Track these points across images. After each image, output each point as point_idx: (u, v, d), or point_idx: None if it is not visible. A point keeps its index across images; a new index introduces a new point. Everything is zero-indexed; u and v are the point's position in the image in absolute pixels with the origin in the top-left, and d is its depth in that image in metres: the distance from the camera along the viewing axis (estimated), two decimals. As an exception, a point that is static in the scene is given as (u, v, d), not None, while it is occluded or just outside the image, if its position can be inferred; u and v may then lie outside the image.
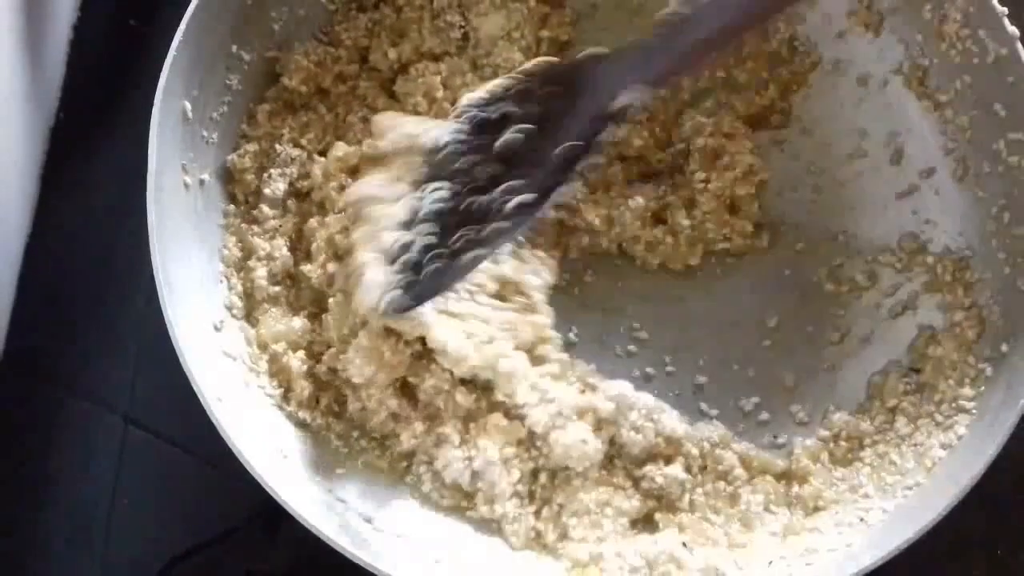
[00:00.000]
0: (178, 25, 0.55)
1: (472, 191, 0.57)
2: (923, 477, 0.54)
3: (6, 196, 0.68)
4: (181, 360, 0.51)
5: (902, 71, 0.63)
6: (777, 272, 0.65)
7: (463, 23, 0.66)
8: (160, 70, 0.55)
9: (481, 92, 0.58)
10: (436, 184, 0.57)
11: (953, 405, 0.56)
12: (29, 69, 0.68)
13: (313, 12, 0.65)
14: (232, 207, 0.61)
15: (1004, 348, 0.55)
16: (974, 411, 0.55)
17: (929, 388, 0.58)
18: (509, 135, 0.57)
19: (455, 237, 0.56)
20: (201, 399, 0.51)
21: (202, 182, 0.59)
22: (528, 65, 0.58)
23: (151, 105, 0.54)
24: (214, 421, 0.51)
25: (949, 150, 0.61)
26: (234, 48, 0.60)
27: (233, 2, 0.59)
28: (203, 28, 0.57)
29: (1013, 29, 0.56)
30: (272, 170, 0.62)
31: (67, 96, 0.73)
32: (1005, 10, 0.57)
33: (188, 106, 0.57)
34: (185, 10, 0.56)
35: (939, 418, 0.56)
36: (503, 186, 0.57)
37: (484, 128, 0.57)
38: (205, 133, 0.59)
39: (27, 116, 0.69)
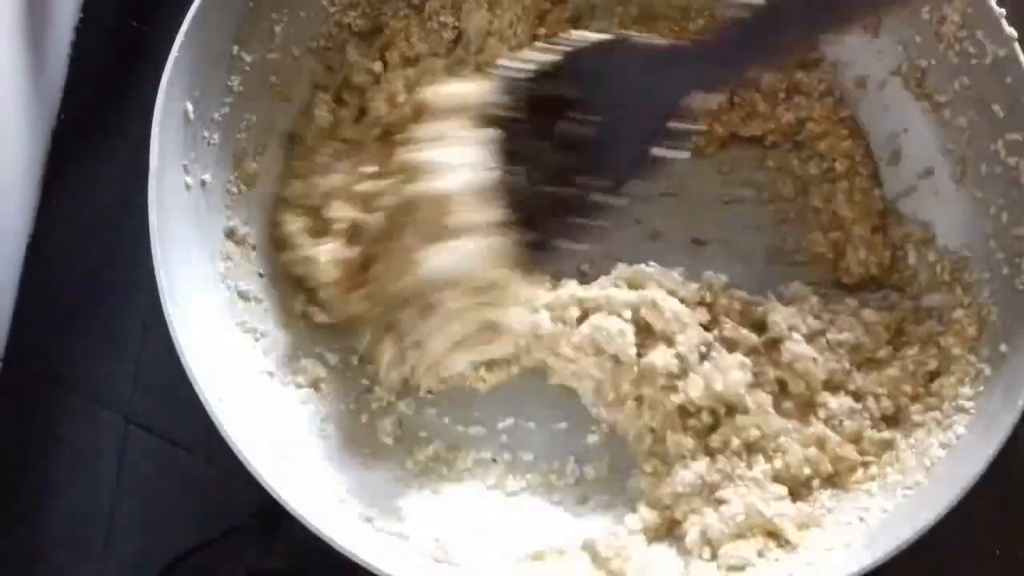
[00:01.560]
0: (179, 26, 0.56)
1: (542, 180, 0.55)
2: (922, 477, 0.54)
3: (7, 196, 0.68)
4: (182, 360, 0.52)
5: (900, 72, 0.64)
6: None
7: (456, 23, 0.66)
8: (161, 71, 0.55)
9: (526, 64, 0.55)
10: (509, 167, 0.55)
11: (952, 404, 0.56)
12: (30, 70, 0.69)
13: (314, 14, 0.65)
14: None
15: (1003, 348, 0.55)
16: (973, 411, 0.55)
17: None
18: (576, 126, 0.54)
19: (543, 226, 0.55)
20: (202, 399, 0.51)
21: (203, 183, 0.59)
22: (571, 39, 0.55)
23: (152, 106, 0.54)
24: (215, 421, 0.51)
25: (947, 151, 0.61)
26: (235, 49, 0.60)
27: (234, 3, 0.59)
28: (204, 29, 0.57)
29: (1011, 30, 0.56)
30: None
31: (68, 97, 0.73)
32: (1003, 11, 0.57)
33: (190, 107, 0.57)
34: (186, 11, 0.56)
35: (938, 417, 0.56)
36: (578, 180, 0.54)
37: (536, 107, 0.55)
38: (206, 134, 0.59)
39: (28, 117, 0.69)
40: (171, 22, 0.56)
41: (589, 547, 0.57)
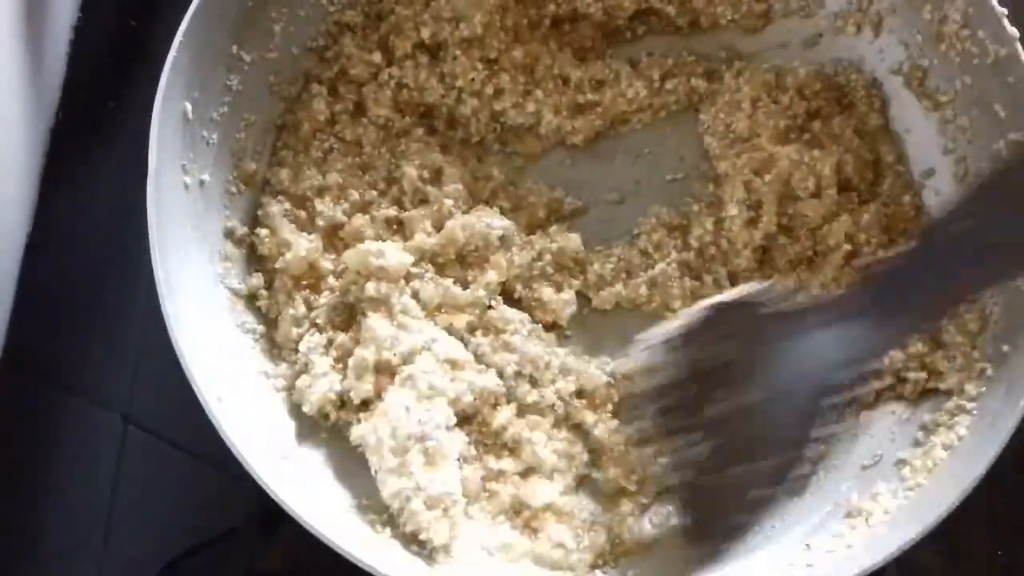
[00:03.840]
0: (178, 26, 0.55)
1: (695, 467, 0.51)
2: (924, 478, 0.54)
3: (6, 196, 0.68)
4: (181, 360, 0.51)
5: (902, 71, 0.63)
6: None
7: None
8: (160, 71, 0.55)
9: (668, 329, 0.51)
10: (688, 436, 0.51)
11: (954, 405, 0.56)
12: (29, 69, 0.69)
13: (313, 13, 0.65)
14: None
15: (1005, 348, 0.55)
16: (975, 412, 0.55)
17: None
18: (727, 407, 0.49)
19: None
20: (201, 399, 0.51)
21: (202, 183, 0.58)
22: (709, 303, 0.51)
23: (151, 106, 0.54)
24: (214, 421, 0.51)
25: (949, 150, 0.61)
26: (234, 49, 0.60)
27: (233, 3, 0.59)
28: (204, 29, 0.57)
29: (1013, 30, 0.56)
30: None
31: (67, 96, 0.73)
32: (1005, 10, 0.57)
33: (188, 107, 0.57)
34: (185, 11, 0.56)
35: (941, 418, 0.56)
36: (732, 470, 0.49)
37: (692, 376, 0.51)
38: (205, 134, 0.59)
39: (27, 116, 0.69)
40: (170, 22, 0.56)
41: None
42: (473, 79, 0.65)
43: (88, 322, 0.68)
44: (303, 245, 0.61)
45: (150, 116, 0.54)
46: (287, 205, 0.63)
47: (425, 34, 0.65)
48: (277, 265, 0.61)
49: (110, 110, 0.72)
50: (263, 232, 0.61)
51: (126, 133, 0.69)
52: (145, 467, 0.65)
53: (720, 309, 0.51)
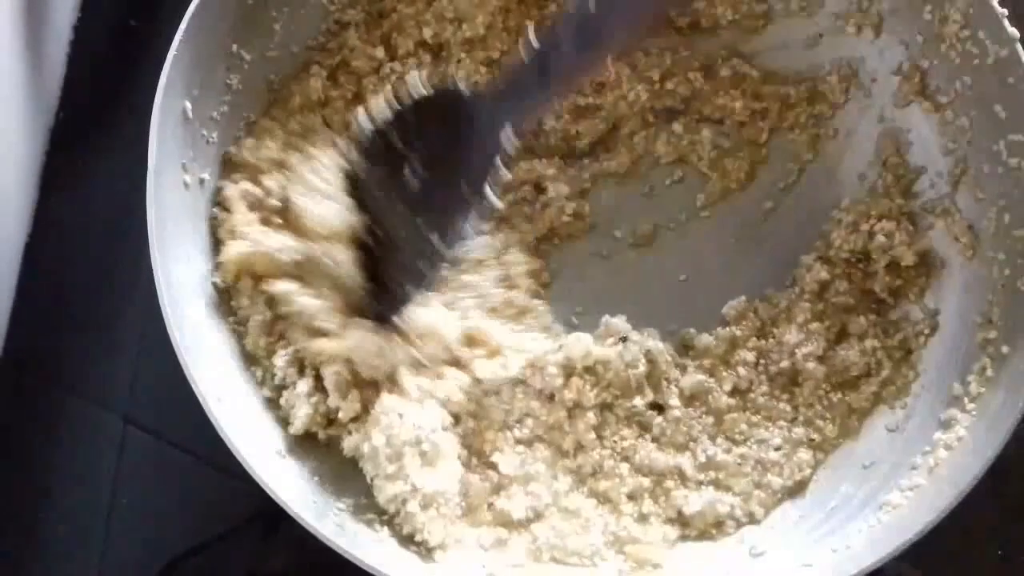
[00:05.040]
0: (178, 25, 0.55)
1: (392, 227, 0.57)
2: (923, 478, 0.54)
3: (6, 195, 0.68)
4: (180, 360, 0.51)
5: (902, 72, 0.63)
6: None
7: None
8: (160, 70, 0.55)
9: (367, 121, 0.56)
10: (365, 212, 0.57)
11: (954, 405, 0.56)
12: (29, 69, 0.69)
13: (314, 12, 0.65)
14: None
15: (1004, 349, 0.55)
16: (974, 412, 0.55)
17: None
18: (408, 178, 0.55)
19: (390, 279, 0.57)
20: (200, 399, 0.51)
21: (202, 181, 0.58)
22: (402, 93, 0.55)
23: (151, 105, 0.54)
24: (213, 421, 0.51)
25: (949, 151, 0.61)
26: (234, 47, 0.60)
27: (234, 1, 0.59)
28: (204, 27, 0.57)
29: (1013, 30, 0.56)
30: None
31: (67, 96, 0.73)
32: (1005, 11, 0.57)
33: (188, 106, 0.57)
34: (185, 10, 0.56)
35: (940, 418, 0.56)
36: (413, 230, 0.56)
37: (376, 158, 0.56)
38: (205, 132, 0.59)
39: (27, 115, 0.69)
40: (170, 20, 0.56)
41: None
42: (476, 82, 0.65)
43: (88, 322, 0.68)
44: (278, 246, 0.58)
45: (150, 115, 0.54)
46: (246, 185, 0.59)
47: (427, 34, 0.65)
48: (219, 259, 0.58)
49: (110, 110, 0.72)
50: (221, 215, 0.58)
51: (126, 133, 0.69)
52: (145, 467, 0.65)
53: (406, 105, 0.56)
